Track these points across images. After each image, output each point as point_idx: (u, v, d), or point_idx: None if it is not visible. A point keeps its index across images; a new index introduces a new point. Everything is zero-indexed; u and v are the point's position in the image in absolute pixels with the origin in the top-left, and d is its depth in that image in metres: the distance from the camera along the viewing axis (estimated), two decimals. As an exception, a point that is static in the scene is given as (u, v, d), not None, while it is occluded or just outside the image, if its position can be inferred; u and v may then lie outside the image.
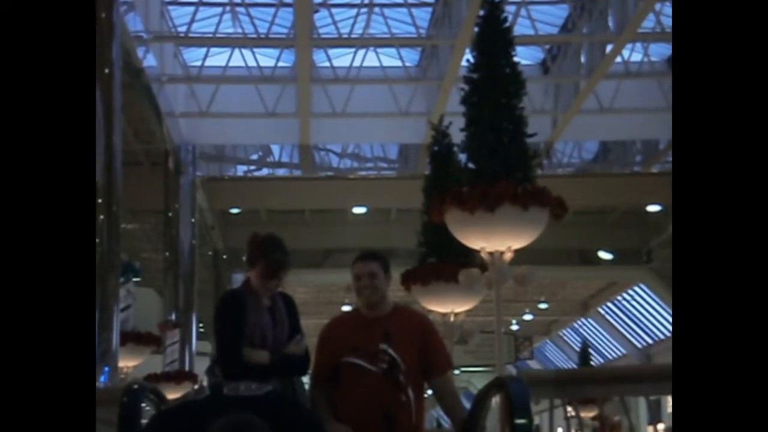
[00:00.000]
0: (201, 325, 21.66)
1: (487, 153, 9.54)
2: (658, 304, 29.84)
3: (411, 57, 20.87)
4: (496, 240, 9.36)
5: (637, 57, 19.89)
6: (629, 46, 18.83)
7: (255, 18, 18.38)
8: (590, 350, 29.99)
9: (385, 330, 4.55)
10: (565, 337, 41.39)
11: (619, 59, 18.90)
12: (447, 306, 11.96)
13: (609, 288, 32.08)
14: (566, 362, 40.99)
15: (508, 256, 9.41)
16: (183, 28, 18.49)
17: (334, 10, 18.69)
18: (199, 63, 19.78)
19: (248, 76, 19.66)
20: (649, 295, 30.01)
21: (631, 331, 34.29)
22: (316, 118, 20.60)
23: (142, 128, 19.47)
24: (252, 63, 19.57)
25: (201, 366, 18.13)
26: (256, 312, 4.41)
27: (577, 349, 32.05)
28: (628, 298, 32.36)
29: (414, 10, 18.73)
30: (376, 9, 18.89)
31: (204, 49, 19.79)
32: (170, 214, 20.30)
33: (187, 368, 18.53)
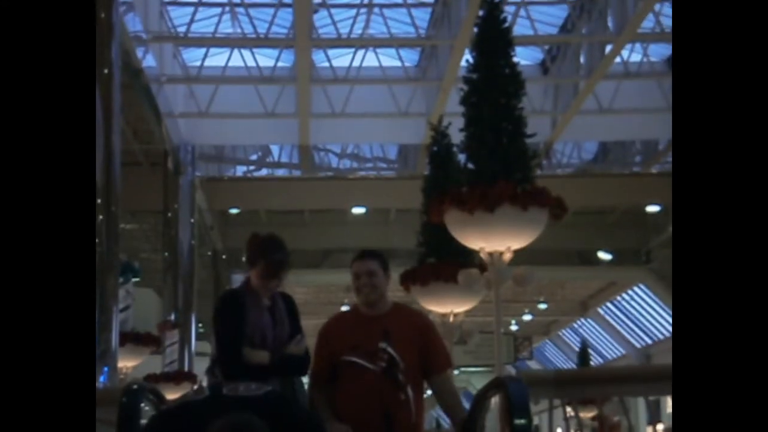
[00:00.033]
0: (200, 325, 21.66)
1: (487, 153, 9.55)
2: (658, 304, 29.85)
3: (410, 57, 20.87)
4: (496, 240, 9.36)
5: (636, 57, 19.90)
6: (628, 46, 18.84)
7: (254, 18, 18.38)
8: (589, 350, 30.01)
9: (385, 328, 4.55)
10: (564, 338, 41.40)
11: (618, 59, 18.91)
12: (446, 306, 11.97)
13: (608, 288, 32.09)
14: (565, 362, 41.02)
15: (508, 256, 9.41)
16: (182, 29, 18.49)
17: (333, 11, 18.69)
18: (198, 63, 19.79)
19: (247, 76, 19.67)
20: (649, 296, 30.02)
21: (630, 332, 34.30)
22: (316, 119, 20.61)
23: (141, 128, 19.47)
24: (251, 63, 19.58)
25: (200, 366, 18.15)
26: (256, 312, 4.39)
27: (577, 350, 32.07)
28: (627, 298, 32.38)
29: (413, 11, 18.74)
30: (376, 9, 18.90)
31: (203, 50, 19.79)
32: (169, 215, 20.30)
33: (186, 368, 18.53)
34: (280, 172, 24.27)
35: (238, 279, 20.76)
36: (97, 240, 9.93)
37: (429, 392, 4.97)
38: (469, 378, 37.08)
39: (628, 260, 26.99)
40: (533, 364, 37.87)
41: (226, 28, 19.03)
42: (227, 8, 18.66)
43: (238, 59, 19.58)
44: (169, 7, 18.46)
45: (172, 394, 12.91)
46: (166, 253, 20.38)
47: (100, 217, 10.08)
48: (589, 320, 36.97)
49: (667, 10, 17.42)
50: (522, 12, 17.83)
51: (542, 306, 34.37)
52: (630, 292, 31.45)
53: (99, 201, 10.04)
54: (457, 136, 10.82)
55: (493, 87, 9.71)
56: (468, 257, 10.92)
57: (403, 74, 20.21)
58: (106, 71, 10.46)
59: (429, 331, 4.75)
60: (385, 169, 24.78)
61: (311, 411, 4.41)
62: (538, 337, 40.11)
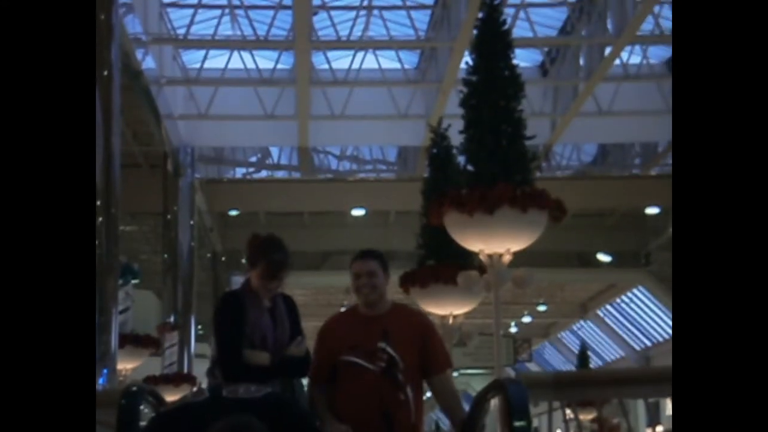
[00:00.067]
0: (200, 327, 21.65)
1: (486, 155, 9.55)
2: (657, 306, 29.83)
3: (410, 59, 20.88)
4: (495, 242, 9.36)
5: (635, 59, 19.91)
6: (628, 48, 18.85)
7: (254, 20, 18.39)
8: (589, 353, 29.96)
9: (384, 328, 4.55)
10: (563, 340, 41.37)
11: (617, 62, 18.92)
12: (446, 308, 11.96)
13: (608, 290, 32.07)
14: (565, 364, 40.97)
15: (507, 258, 9.41)
16: (182, 31, 18.50)
17: (333, 13, 18.71)
18: (198, 65, 19.79)
19: (247, 78, 19.67)
20: (648, 298, 30.00)
21: (629, 334, 34.28)
22: (315, 121, 20.61)
23: (141, 130, 19.47)
24: (251, 65, 19.59)
25: (199, 368, 18.12)
26: (256, 313, 4.38)
27: (576, 352, 32.03)
28: (626, 300, 32.36)
29: (413, 13, 18.75)
30: (375, 11, 18.91)
31: (203, 52, 19.80)
32: (169, 216, 20.29)
33: (185, 370, 18.52)
34: (280, 174, 24.26)
35: (237, 281, 20.76)
36: (96, 242, 9.92)
37: (429, 394, 4.97)
38: (468, 380, 37.06)
39: (628, 262, 26.97)
40: (533, 366, 37.83)
41: (226, 30, 19.04)
42: (227, 10, 18.67)
43: (238, 61, 19.58)
44: (169, 9, 18.46)
45: (171, 396, 12.86)
46: (166, 255, 20.38)
47: (100, 218, 10.08)
48: (588, 322, 36.95)
49: (667, 12, 17.44)
50: (521, 14, 17.84)
51: (542, 308, 34.35)
52: (629, 294, 31.43)
53: (99, 203, 10.04)
54: (456, 138, 10.82)
55: (493, 89, 9.72)
56: (467, 259, 10.93)
57: (402, 76, 20.22)
58: (105, 73, 10.46)
59: (428, 331, 4.74)
60: (385, 171, 24.77)
61: (310, 413, 4.40)
62: (538, 339, 40.06)
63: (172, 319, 19.42)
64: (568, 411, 5.42)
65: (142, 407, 4.52)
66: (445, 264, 11.63)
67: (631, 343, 34.45)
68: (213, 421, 3.44)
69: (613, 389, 5.42)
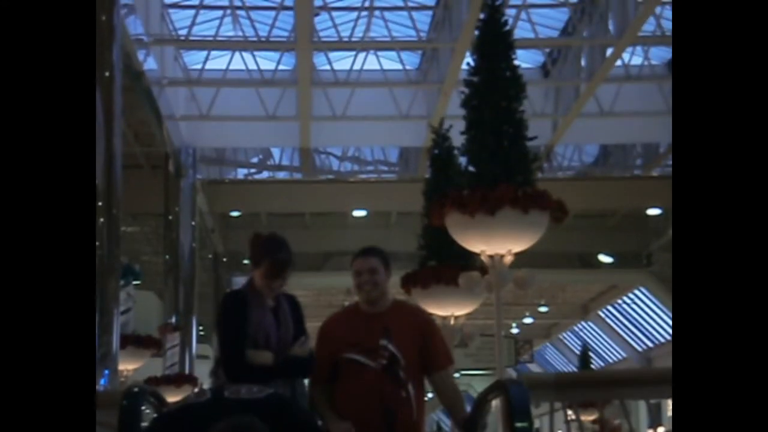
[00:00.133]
0: (201, 328, 21.66)
1: (488, 156, 9.55)
2: (659, 307, 29.82)
3: (411, 60, 20.88)
4: (497, 243, 9.36)
5: (637, 60, 19.91)
6: (629, 49, 18.85)
7: (255, 21, 18.40)
8: (590, 353, 29.95)
9: (385, 326, 4.54)
10: (565, 341, 41.36)
11: (619, 63, 18.92)
12: (447, 309, 11.96)
13: (609, 291, 32.06)
14: (566, 365, 40.96)
15: (509, 259, 9.41)
16: (183, 32, 18.51)
17: (334, 13, 18.71)
18: (199, 66, 19.80)
19: (249, 79, 19.67)
20: (650, 299, 29.99)
21: (631, 335, 34.27)
22: (317, 121, 20.61)
23: (142, 131, 19.47)
24: (252, 66, 19.59)
25: (201, 369, 18.15)
26: (259, 312, 4.35)
27: (578, 353, 32.03)
28: (628, 301, 32.34)
29: (414, 14, 18.75)
30: (377, 12, 18.91)
31: (204, 53, 19.81)
32: (170, 217, 20.29)
33: (187, 371, 18.51)
34: (281, 175, 24.27)
35: (239, 282, 20.75)
36: (98, 243, 9.92)
37: (430, 395, 4.96)
38: (470, 381, 37.04)
39: (629, 263, 26.96)
40: (534, 367, 37.82)
41: (228, 31, 19.04)
42: (228, 11, 18.67)
43: (239, 62, 19.59)
44: (171, 10, 18.47)
45: (172, 397, 12.89)
46: (167, 256, 20.38)
47: (101, 219, 10.08)
48: (589, 323, 36.94)
49: (668, 13, 17.43)
50: (523, 15, 17.83)
51: (543, 309, 34.34)
52: (631, 295, 31.42)
53: (100, 204, 10.04)
54: (458, 139, 10.82)
55: (494, 90, 9.71)
56: (469, 260, 10.93)
57: (404, 77, 20.22)
58: (107, 74, 10.46)
59: (430, 328, 4.74)
60: (386, 172, 24.78)
61: (313, 413, 4.40)
62: (539, 340, 40.04)
63: (173, 320, 19.42)
64: (569, 412, 5.41)
65: (143, 408, 4.52)
66: (447, 265, 11.63)
67: (633, 344, 34.43)
68: (215, 421, 3.44)
69: (615, 390, 5.42)
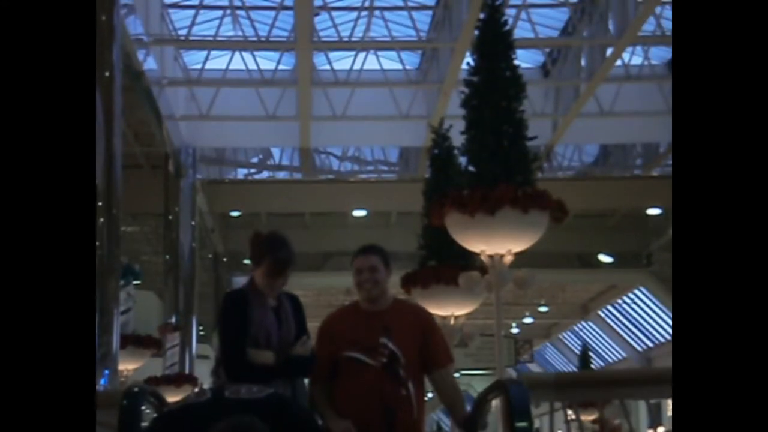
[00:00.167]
0: (201, 328, 21.65)
1: (488, 156, 9.55)
2: (658, 307, 29.82)
3: (411, 60, 20.88)
4: (496, 243, 9.36)
5: (637, 60, 19.92)
6: (629, 49, 18.86)
7: (255, 21, 18.40)
8: (590, 353, 29.95)
9: (385, 324, 4.53)
10: (565, 340, 41.35)
11: (619, 62, 18.92)
12: (447, 309, 11.96)
13: (609, 291, 32.05)
14: (566, 365, 40.96)
15: (508, 259, 9.41)
16: (183, 31, 18.51)
17: (334, 13, 18.71)
18: (199, 66, 19.80)
19: (248, 79, 19.68)
20: (649, 299, 29.99)
21: (631, 335, 34.26)
22: (317, 121, 20.62)
23: (142, 131, 19.47)
24: (252, 66, 19.59)
25: (201, 369, 18.15)
26: (260, 311, 4.33)
27: (577, 353, 32.02)
28: (628, 301, 32.33)
29: (414, 14, 18.75)
30: (377, 12, 18.91)
31: (204, 52, 19.81)
32: (170, 217, 20.30)
33: (187, 371, 18.52)
34: (281, 175, 24.28)
35: (239, 282, 20.75)
36: (98, 243, 9.92)
37: (430, 395, 4.95)
38: (470, 381, 37.03)
39: (629, 263, 26.97)
40: (534, 367, 37.82)
41: (227, 30, 19.04)
42: (228, 11, 18.67)
43: (239, 62, 19.59)
44: (171, 10, 18.47)
45: (172, 397, 12.89)
46: (167, 256, 20.38)
47: (101, 219, 10.08)
48: (589, 323, 36.94)
49: (668, 13, 17.43)
50: (523, 15, 17.83)
51: (543, 309, 34.34)
52: (631, 294, 31.42)
53: (100, 203, 10.04)
54: (458, 139, 10.82)
55: (494, 90, 9.72)
56: (469, 260, 10.93)
57: (404, 77, 20.22)
58: (107, 74, 10.47)
59: (430, 326, 4.73)
60: (386, 171, 24.79)
61: (313, 413, 4.39)
62: (539, 340, 40.04)
63: (173, 319, 19.43)
64: (569, 412, 5.41)
65: (143, 408, 4.51)
66: (447, 265, 11.63)
67: (633, 343, 34.43)
68: (215, 421, 3.44)
69: (615, 390, 5.42)
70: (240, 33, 18.81)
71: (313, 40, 17.65)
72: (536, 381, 5.12)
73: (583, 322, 37.27)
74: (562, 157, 23.60)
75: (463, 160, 10.23)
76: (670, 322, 29.22)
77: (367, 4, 18.66)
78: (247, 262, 4.71)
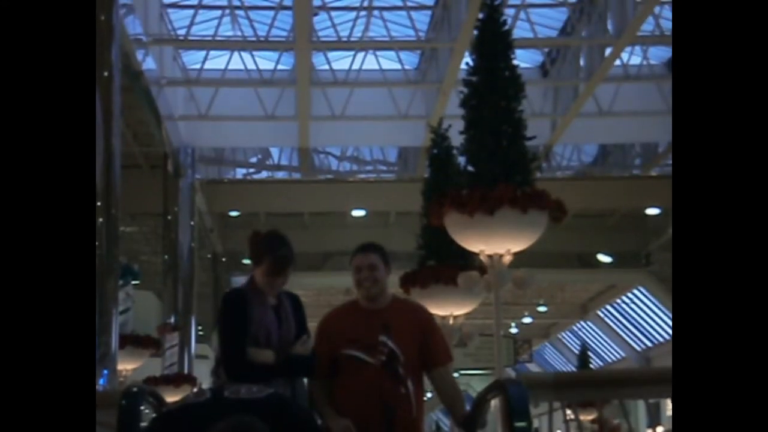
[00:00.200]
0: (200, 328, 21.65)
1: (487, 156, 9.55)
2: (658, 307, 29.83)
3: (410, 60, 20.88)
4: (496, 243, 9.36)
5: (636, 60, 19.92)
6: (628, 49, 18.86)
7: (254, 21, 18.39)
8: (589, 353, 29.98)
9: (384, 322, 4.53)
10: (564, 340, 41.36)
11: (618, 62, 18.92)
12: (446, 309, 11.96)
13: (608, 291, 32.07)
14: (565, 365, 40.97)
15: (508, 259, 9.41)
16: (182, 31, 18.50)
17: (333, 13, 18.71)
18: (198, 66, 19.80)
19: (247, 79, 19.67)
20: (649, 298, 30.00)
21: (630, 334, 34.27)
22: (316, 121, 20.61)
23: (141, 131, 19.47)
24: (251, 66, 19.59)
25: (200, 369, 18.16)
26: (260, 310, 4.33)
27: (576, 352, 32.04)
28: (627, 301, 32.35)
29: (413, 13, 18.75)
30: (376, 12, 18.91)
31: (203, 52, 19.80)
32: (169, 217, 20.30)
33: (186, 371, 18.52)
34: (280, 175, 24.28)
35: (238, 282, 20.75)
36: (97, 243, 9.92)
37: (429, 395, 4.95)
38: (469, 381, 37.04)
39: (628, 263, 26.98)
40: (533, 367, 37.82)
41: (226, 30, 19.04)
42: (227, 11, 18.67)
43: (238, 62, 19.59)
44: (169, 10, 18.47)
45: (171, 397, 12.88)
46: (166, 256, 20.38)
47: (100, 219, 10.08)
48: (588, 323, 36.94)
49: (667, 12, 17.44)
50: (522, 15, 17.84)
51: (542, 309, 34.34)
52: (630, 294, 31.43)
53: (99, 204, 10.04)
54: (457, 139, 10.82)
55: (493, 90, 9.72)
56: (468, 260, 10.93)
57: (402, 77, 20.22)
58: (106, 74, 10.46)
59: (429, 325, 4.73)
60: (385, 171, 24.79)
61: (313, 413, 4.38)
62: (538, 340, 40.06)
63: (172, 319, 19.42)
64: (568, 411, 5.42)
65: (142, 408, 4.51)
66: (446, 265, 11.63)
67: (632, 343, 34.44)
68: (214, 421, 3.44)
69: (614, 390, 5.42)
70: (239, 33, 18.80)
71: (312, 40, 17.65)
72: (535, 381, 5.12)
73: (582, 322, 37.28)
74: (561, 157, 23.60)
75: (462, 159, 10.23)
76: (669, 322, 29.24)
77: (366, 4, 18.66)
78: (246, 261, 4.69)
